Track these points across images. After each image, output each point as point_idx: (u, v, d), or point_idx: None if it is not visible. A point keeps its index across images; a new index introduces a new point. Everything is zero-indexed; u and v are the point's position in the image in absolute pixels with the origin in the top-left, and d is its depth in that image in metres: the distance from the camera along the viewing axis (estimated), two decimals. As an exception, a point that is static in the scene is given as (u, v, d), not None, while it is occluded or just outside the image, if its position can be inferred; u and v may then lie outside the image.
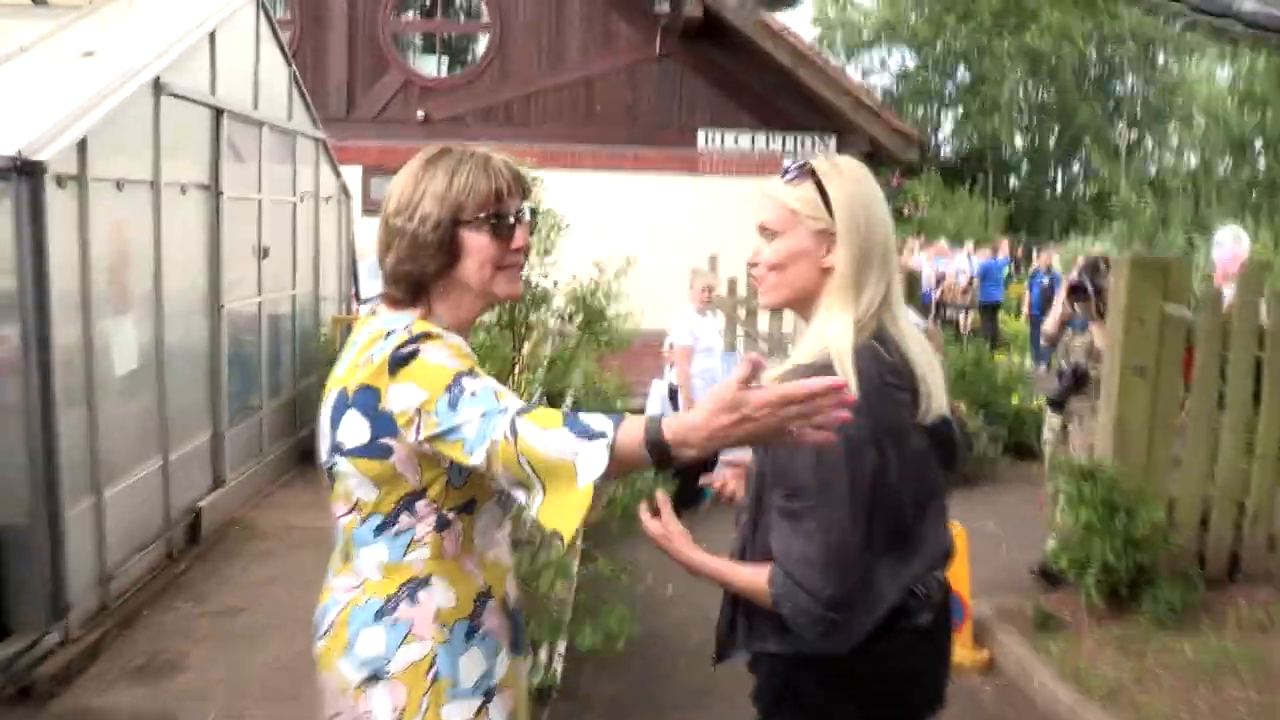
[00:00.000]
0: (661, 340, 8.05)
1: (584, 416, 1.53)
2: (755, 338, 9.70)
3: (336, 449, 1.78)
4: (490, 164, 1.82)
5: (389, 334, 1.73)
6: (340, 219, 9.14)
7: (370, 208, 11.32)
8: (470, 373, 1.66)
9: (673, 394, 7.74)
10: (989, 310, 18.38)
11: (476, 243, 1.79)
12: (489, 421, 1.56)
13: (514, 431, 1.52)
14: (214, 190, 6.19)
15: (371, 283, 8.87)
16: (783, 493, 1.79)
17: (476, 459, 1.57)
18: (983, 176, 31.79)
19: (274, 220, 7.27)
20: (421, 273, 1.78)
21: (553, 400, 6.05)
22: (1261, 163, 23.15)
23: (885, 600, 1.84)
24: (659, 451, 1.46)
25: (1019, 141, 35.70)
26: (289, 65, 7.68)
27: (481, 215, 1.78)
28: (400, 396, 1.67)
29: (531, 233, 1.93)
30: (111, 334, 4.97)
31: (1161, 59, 32.50)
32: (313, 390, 7.08)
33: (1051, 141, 34.83)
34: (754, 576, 1.84)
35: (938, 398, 1.88)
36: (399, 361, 1.68)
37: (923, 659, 1.99)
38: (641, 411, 8.39)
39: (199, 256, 6.10)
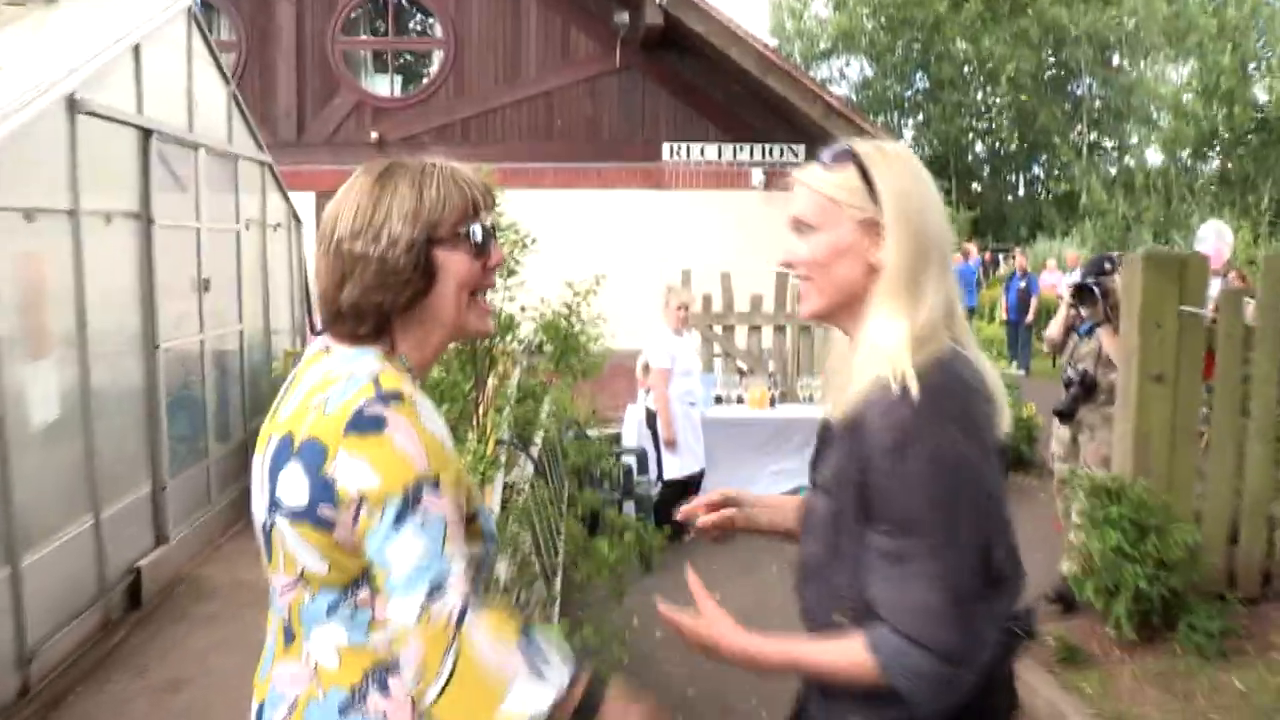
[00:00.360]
0: (633, 361, 7.60)
1: (543, 643, 1.45)
2: (733, 355, 9.27)
3: (275, 506, 1.52)
4: (458, 174, 1.63)
5: (349, 378, 1.51)
6: (291, 247, 8.62)
7: (325, 235, 10.64)
8: (434, 482, 1.45)
9: (651, 420, 7.28)
10: (961, 316, 18.06)
11: (453, 263, 1.59)
12: (423, 576, 1.40)
13: (459, 621, 1.39)
14: (145, 218, 5.67)
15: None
16: (884, 530, 1.52)
17: (393, 608, 1.41)
18: (946, 182, 31.68)
19: (215, 250, 6.76)
20: (392, 303, 1.56)
21: (522, 438, 5.55)
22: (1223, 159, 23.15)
23: (988, 644, 1.54)
24: None
25: (979, 146, 35.70)
26: (228, 84, 7.18)
27: (459, 231, 1.59)
28: (349, 469, 1.44)
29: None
30: (26, 381, 4.45)
31: (1116, 60, 32.56)
32: (264, 431, 6.56)
33: (1012, 145, 34.83)
34: (844, 649, 1.53)
35: (1006, 415, 1.63)
36: (360, 425, 1.45)
37: (1008, 708, 1.72)
38: (617, 440, 7.99)
39: (129, 291, 5.57)
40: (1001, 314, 18.56)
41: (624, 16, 12.16)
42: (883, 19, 32.91)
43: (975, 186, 35.24)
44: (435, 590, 1.39)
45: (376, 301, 1.55)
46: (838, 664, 1.54)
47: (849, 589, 1.57)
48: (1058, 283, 17.86)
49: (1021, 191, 36.32)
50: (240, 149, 7.30)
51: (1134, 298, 4.94)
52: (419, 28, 15.05)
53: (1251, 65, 24.18)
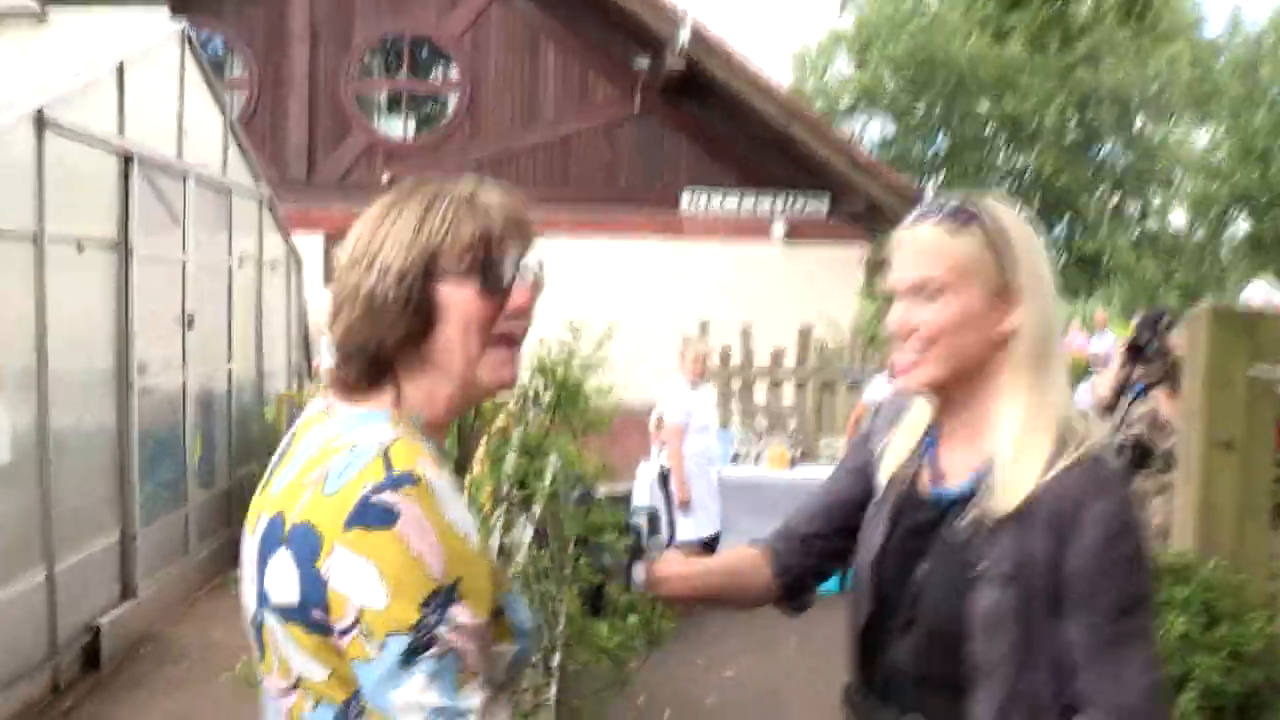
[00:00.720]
0: (646, 416, 7.16)
1: None
2: (752, 413, 8.81)
3: (264, 599, 1.29)
4: (477, 198, 1.38)
5: (353, 449, 1.27)
6: (290, 286, 8.25)
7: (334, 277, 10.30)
8: (453, 593, 1.22)
9: (664, 478, 6.78)
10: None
11: (458, 300, 1.34)
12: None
13: None
14: (123, 248, 5.29)
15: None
16: (1094, 621, 1.44)
17: None
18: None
19: (204, 285, 6.37)
20: (379, 345, 1.33)
21: (524, 498, 5.09)
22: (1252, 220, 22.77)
23: None
24: None
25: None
26: (223, 113, 6.83)
27: (465, 265, 1.34)
28: (348, 571, 1.20)
29: (540, 291, 1.46)
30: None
31: (1139, 123, 32.34)
32: (254, 479, 6.14)
33: (1034, 207, 34.56)
34: None
35: None
36: (365, 518, 1.20)
37: None
38: (627, 498, 7.53)
39: (102, 325, 5.17)
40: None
41: (644, 61, 11.86)
42: (905, 78, 32.80)
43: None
44: None
45: (361, 340, 1.32)
46: None
47: (1047, 690, 1.46)
48: (1084, 344, 17.45)
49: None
50: (235, 179, 6.93)
51: (1199, 356, 4.47)
52: (435, 70, 14.81)
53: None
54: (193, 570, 6.18)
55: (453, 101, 13.23)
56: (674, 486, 6.73)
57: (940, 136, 34.43)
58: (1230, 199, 22.66)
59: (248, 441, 7.09)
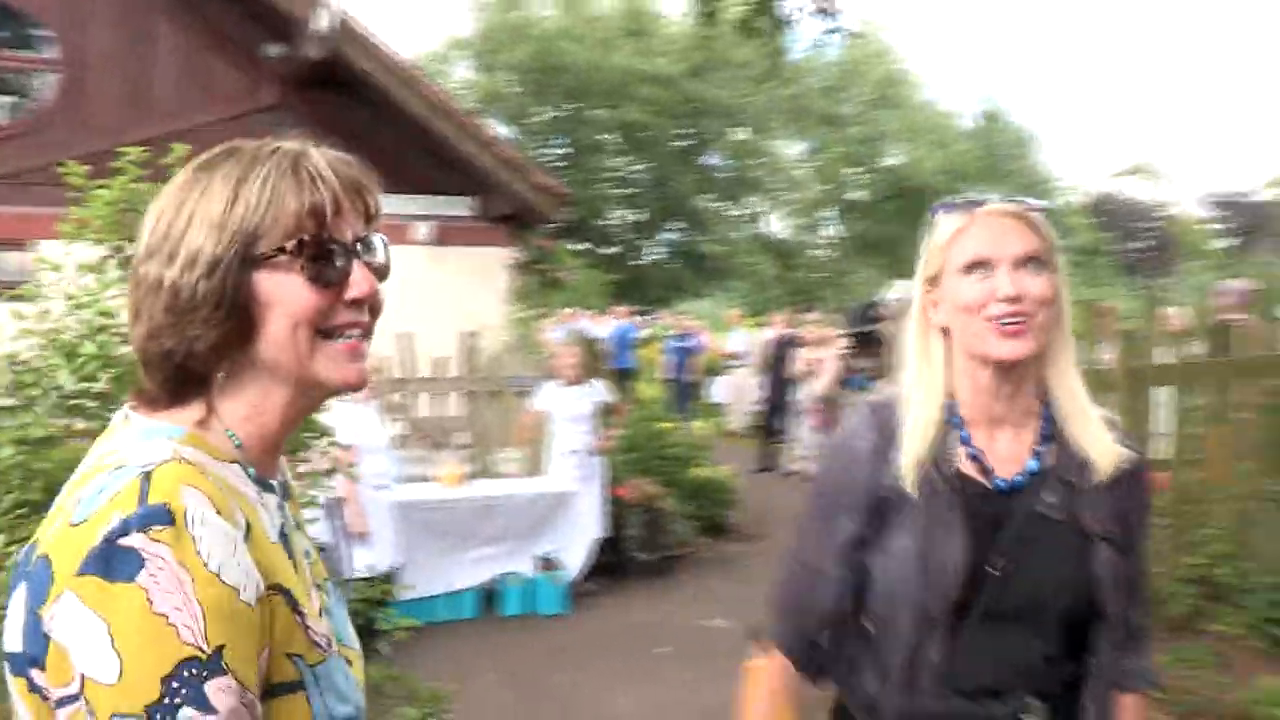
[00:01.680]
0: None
1: None
2: (418, 428, 8.26)
3: None
4: (306, 165, 1.14)
5: (116, 470, 1.04)
6: None
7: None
8: (211, 663, 0.95)
9: (333, 508, 6.14)
10: (623, 377, 18.02)
11: (284, 290, 1.10)
12: None
13: None
14: None
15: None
16: (1143, 549, 1.76)
17: None
18: (588, 246, 32.31)
19: None
20: (189, 351, 1.10)
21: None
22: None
23: None
24: None
25: (618, 212, 36.76)
26: None
27: (290, 246, 1.10)
28: (72, 626, 0.96)
29: (384, 277, 1.21)
30: None
31: (743, 134, 34.63)
32: None
33: (647, 212, 36.09)
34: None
35: None
36: (103, 564, 0.96)
37: None
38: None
39: None
40: (660, 373, 18.67)
41: (277, 49, 10.94)
42: (528, 83, 33.19)
43: (613, 250, 36.15)
44: None
45: (166, 347, 1.11)
46: None
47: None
48: (704, 344, 18.38)
49: (656, 256, 37.66)
50: None
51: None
52: (27, 44, 12.90)
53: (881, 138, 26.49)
54: None
55: (50, 84, 11.59)
56: (348, 517, 6.13)
57: (561, 141, 35.12)
58: (828, 203, 24.85)
59: None
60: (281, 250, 1.11)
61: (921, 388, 1.73)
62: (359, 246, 1.18)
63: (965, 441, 1.71)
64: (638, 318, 21.11)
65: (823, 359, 9.05)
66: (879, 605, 1.72)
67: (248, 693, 1.01)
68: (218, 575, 1.00)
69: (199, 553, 1.00)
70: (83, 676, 0.96)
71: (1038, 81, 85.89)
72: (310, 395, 1.19)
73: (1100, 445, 1.66)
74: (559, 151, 34.88)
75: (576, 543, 7.25)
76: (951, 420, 1.71)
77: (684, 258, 33.83)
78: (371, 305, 1.19)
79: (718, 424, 16.43)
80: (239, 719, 0.99)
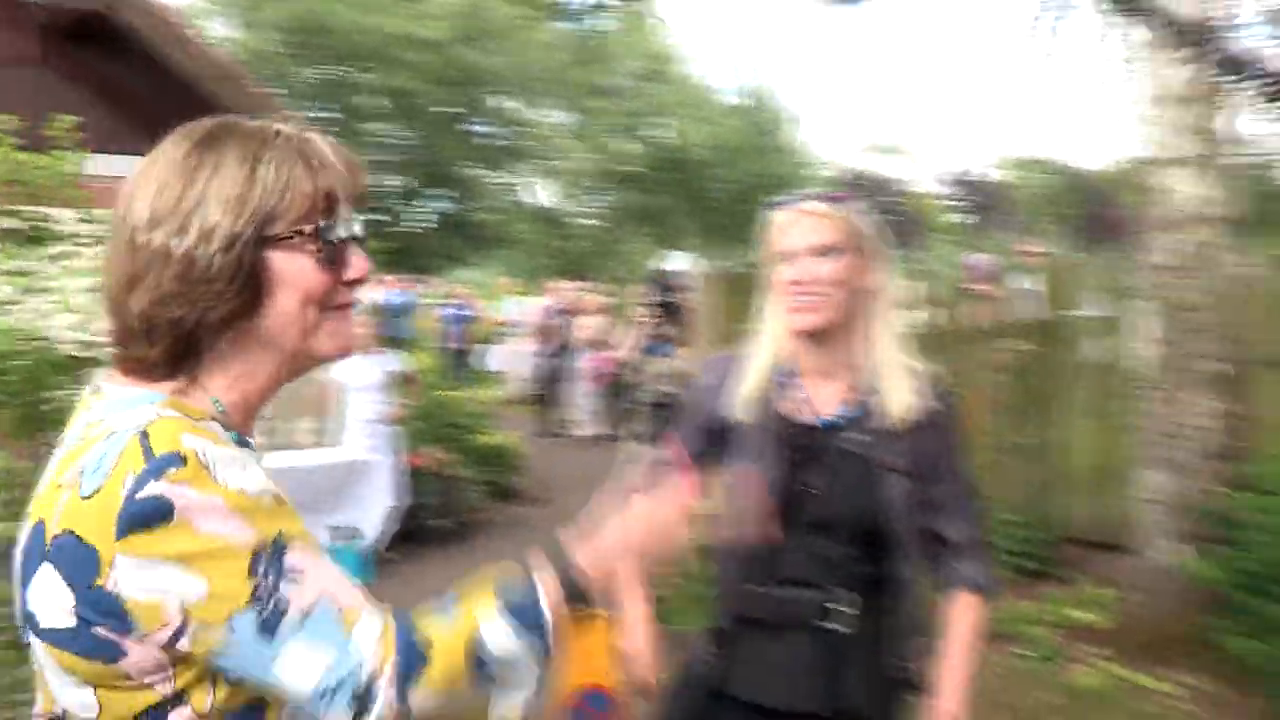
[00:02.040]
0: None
1: (496, 646, 1.19)
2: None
3: (29, 621, 1.12)
4: (312, 149, 1.23)
5: (109, 438, 1.11)
6: None
7: None
8: (276, 546, 1.11)
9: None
10: (399, 346, 17.77)
11: (295, 269, 1.21)
12: (343, 692, 1.09)
13: (403, 697, 1.11)
14: None
15: None
16: (964, 478, 2.21)
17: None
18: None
19: None
20: (199, 321, 1.17)
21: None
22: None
23: None
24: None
25: (386, 179, 35.94)
26: None
27: (305, 229, 1.20)
28: (144, 579, 1.05)
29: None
30: None
31: (510, 103, 34.48)
32: None
33: (416, 179, 35.48)
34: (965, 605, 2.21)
35: None
36: (138, 519, 1.05)
37: None
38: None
39: None
40: (436, 342, 18.52)
41: (37, -1, 10.23)
42: (292, 44, 31.91)
43: (380, 218, 35.31)
44: (359, 699, 1.11)
45: (174, 315, 1.16)
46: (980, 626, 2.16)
47: (928, 532, 2.13)
48: (487, 311, 18.34)
49: (423, 225, 37.08)
50: None
51: (715, 313, 4.91)
52: None
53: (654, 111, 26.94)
54: None
55: None
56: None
57: (327, 105, 33.92)
58: (600, 175, 25.16)
59: None
60: (299, 233, 1.20)
61: (760, 345, 2.15)
62: (355, 228, 1.28)
63: (789, 386, 2.13)
64: (419, 286, 20.79)
65: (600, 326, 9.34)
66: None
67: (319, 550, 1.16)
68: (243, 490, 1.11)
69: (217, 479, 1.09)
70: (182, 608, 1.06)
71: (799, 63, 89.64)
72: (299, 365, 1.28)
73: (899, 396, 2.04)
74: (325, 116, 33.77)
75: (373, 512, 7.28)
76: (782, 370, 2.13)
77: (454, 226, 33.51)
78: (365, 283, 1.31)
79: (496, 392, 16.55)
80: (324, 570, 1.14)
